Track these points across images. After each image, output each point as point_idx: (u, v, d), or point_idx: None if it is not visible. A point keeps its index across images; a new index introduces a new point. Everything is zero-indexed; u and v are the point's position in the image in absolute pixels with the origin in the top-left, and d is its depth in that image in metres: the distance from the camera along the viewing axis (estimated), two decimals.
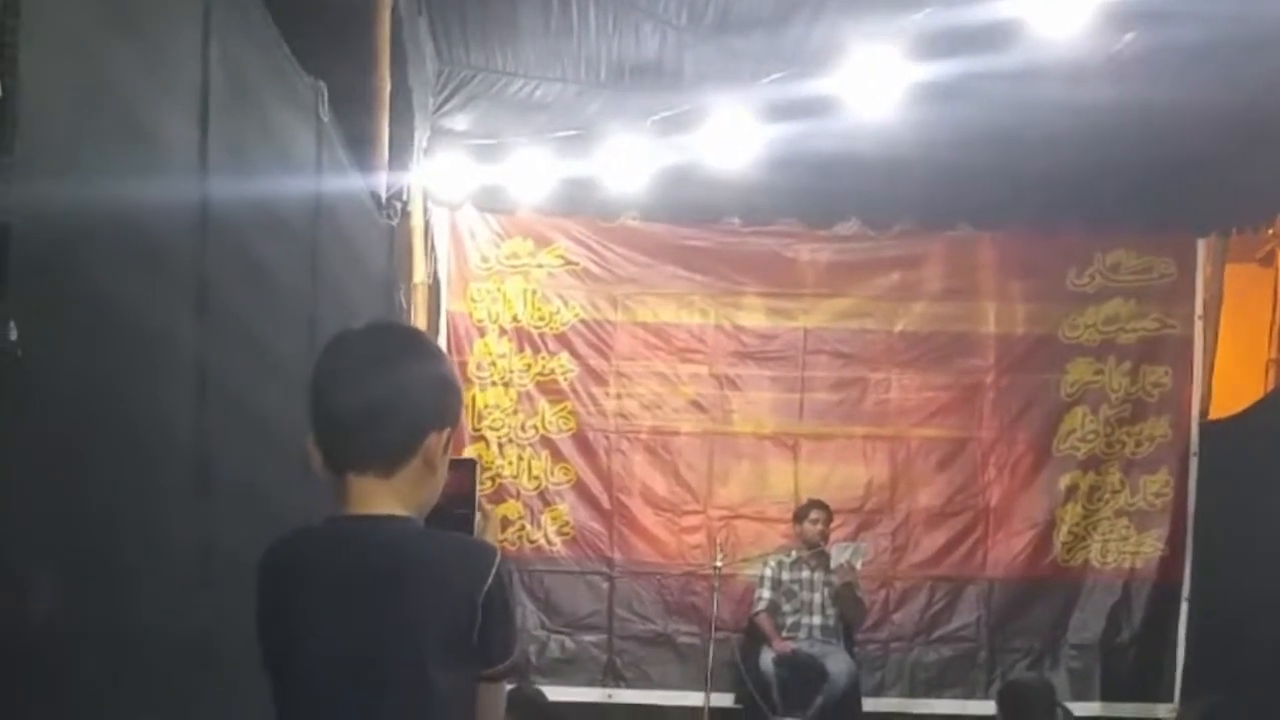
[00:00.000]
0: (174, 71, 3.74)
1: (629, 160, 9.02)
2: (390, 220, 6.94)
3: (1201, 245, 10.78)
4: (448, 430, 2.72)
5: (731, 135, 8.47)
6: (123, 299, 3.26)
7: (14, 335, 2.51)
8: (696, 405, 10.75)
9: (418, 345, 2.80)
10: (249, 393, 4.65)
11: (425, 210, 9.34)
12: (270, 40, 4.74)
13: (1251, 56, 7.47)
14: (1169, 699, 10.45)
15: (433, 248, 9.86)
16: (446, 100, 8.45)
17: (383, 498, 2.65)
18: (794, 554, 10.20)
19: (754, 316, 10.80)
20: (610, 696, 10.36)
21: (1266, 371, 10.38)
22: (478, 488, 10.11)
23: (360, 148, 6.38)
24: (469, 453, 10.29)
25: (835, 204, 10.31)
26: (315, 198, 5.66)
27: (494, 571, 2.61)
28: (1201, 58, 7.41)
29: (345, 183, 6.18)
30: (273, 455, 4.88)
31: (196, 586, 3.82)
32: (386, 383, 2.65)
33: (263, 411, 4.81)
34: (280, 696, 2.66)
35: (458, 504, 3.30)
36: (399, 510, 2.66)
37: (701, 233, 10.66)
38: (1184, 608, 10.69)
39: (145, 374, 3.48)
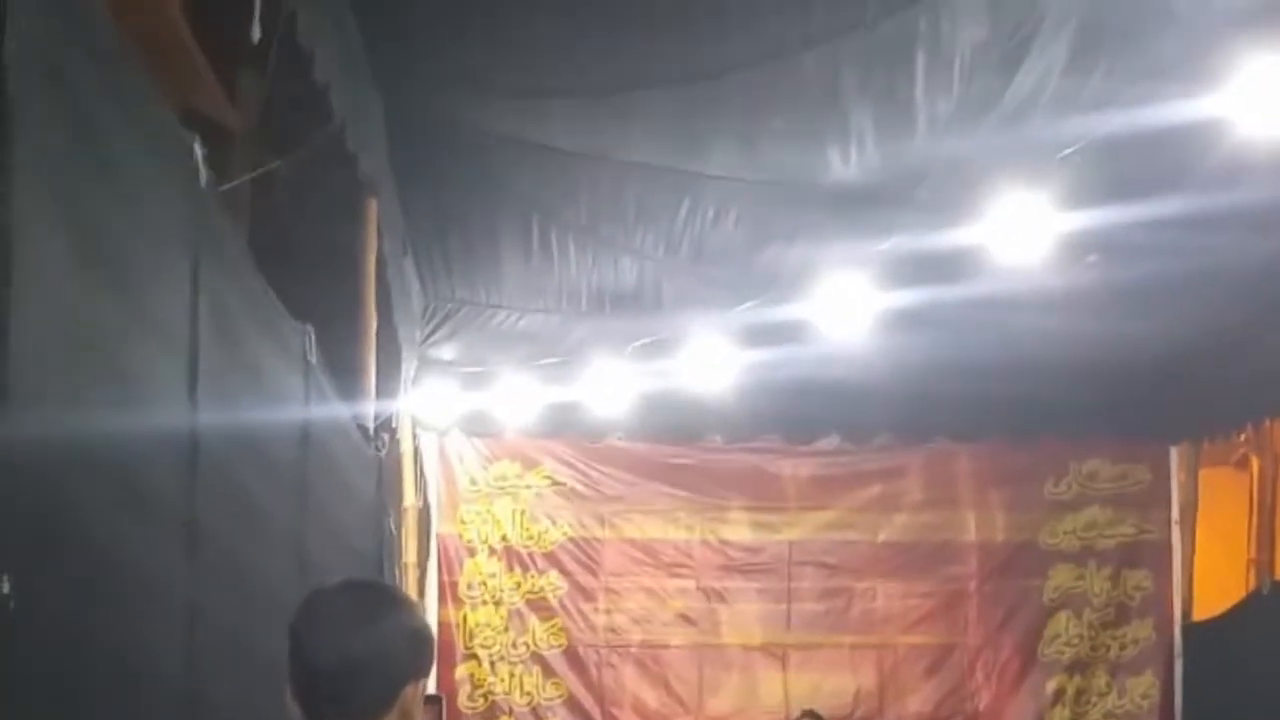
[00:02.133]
0: (164, 324, 3.90)
1: (612, 384, 9.29)
2: (378, 451, 7.14)
3: (1174, 453, 11.03)
4: (423, 681, 2.86)
5: (710, 359, 8.74)
6: (113, 541, 3.40)
7: (7, 588, 2.56)
8: (685, 618, 10.88)
9: (392, 601, 2.94)
10: (239, 628, 4.77)
11: (414, 436, 9.58)
12: (257, 290, 4.95)
13: (1212, 281, 7.74)
14: None
15: (422, 472, 10.08)
16: (433, 332, 8.73)
17: None
18: None
19: (739, 530, 10.99)
20: None
21: (1248, 571, 10.52)
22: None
23: (347, 383, 6.58)
24: (461, 672, 10.42)
25: (815, 420, 10.61)
26: (303, 434, 5.82)
27: None
28: (1165, 283, 7.66)
29: (333, 418, 6.35)
30: (264, 689, 4.97)
31: None
32: (365, 640, 2.76)
33: (253, 645, 4.91)
34: None
35: None
36: None
37: (685, 450, 10.90)
38: None
39: (135, 615, 3.59)
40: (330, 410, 6.28)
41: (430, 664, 2.94)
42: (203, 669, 4.05)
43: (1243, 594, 10.19)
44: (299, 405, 5.77)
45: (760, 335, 8.45)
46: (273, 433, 5.40)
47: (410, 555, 9.26)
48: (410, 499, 9.26)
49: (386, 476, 7.96)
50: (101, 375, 3.30)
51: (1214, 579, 10.84)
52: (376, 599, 2.93)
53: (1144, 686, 10.91)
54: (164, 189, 3.80)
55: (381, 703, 2.78)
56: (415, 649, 2.86)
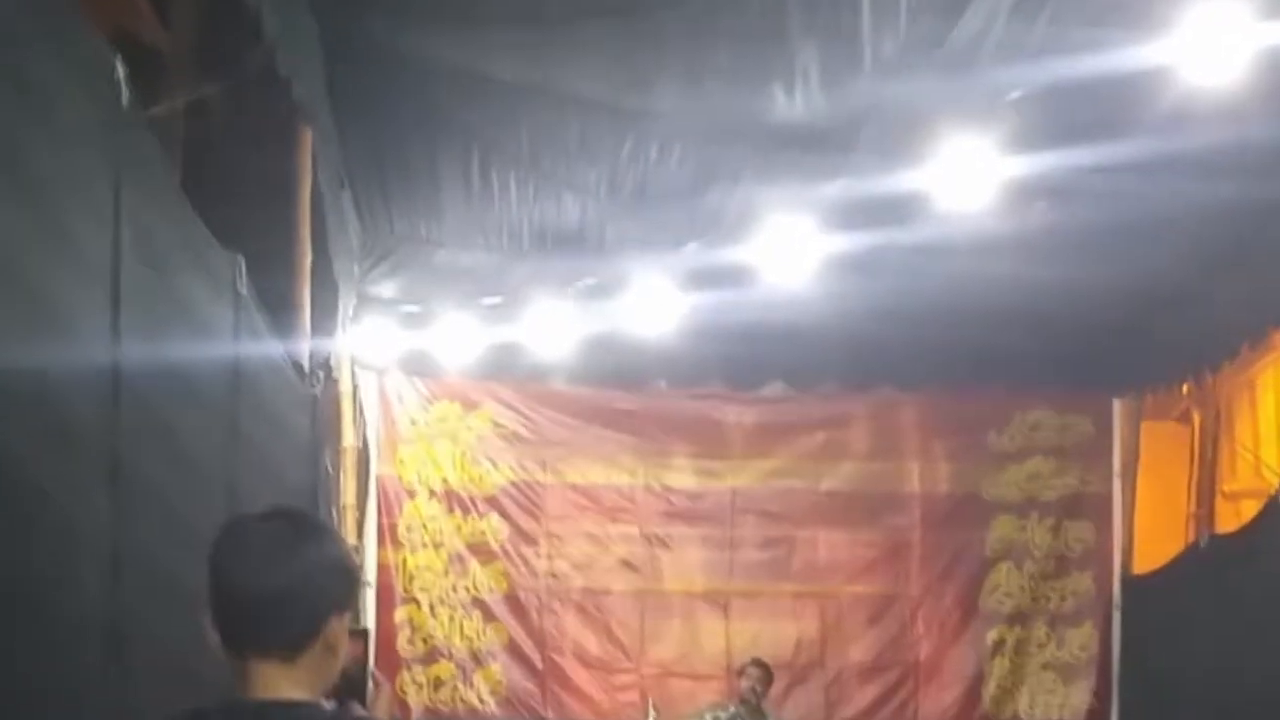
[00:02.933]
0: (84, 250, 3.80)
1: (554, 326, 9.19)
2: (313, 388, 7.03)
3: (1117, 405, 11.03)
4: (347, 614, 2.78)
5: (654, 301, 8.66)
6: (31, 473, 3.31)
7: None
8: (627, 564, 10.84)
9: (316, 531, 2.81)
10: (166, 565, 4.68)
11: (353, 376, 9.48)
12: (184, 217, 4.84)
13: (1158, 230, 7.72)
14: None
15: (361, 413, 9.97)
16: (372, 269, 8.61)
17: (286, 683, 2.66)
18: (731, 709, 10.22)
19: (682, 477, 10.96)
20: None
21: (1187, 525, 10.55)
22: (370, 658, 10.02)
23: (281, 318, 6.47)
24: (400, 615, 10.34)
25: (759, 367, 10.54)
26: (234, 368, 5.71)
27: None
28: (1111, 232, 7.64)
29: (266, 353, 6.24)
30: (190, 624, 4.87)
31: None
32: (290, 570, 2.66)
33: (181, 582, 4.81)
34: None
35: (354, 674, 3.33)
36: (302, 695, 2.67)
37: (628, 396, 10.84)
38: None
39: (55, 549, 3.49)
40: (263, 345, 6.17)
41: (354, 596, 2.88)
42: (127, 605, 3.98)
43: (1182, 548, 10.20)
44: (229, 339, 5.66)
45: (705, 278, 8.39)
46: (201, 366, 5.29)
47: (349, 496, 9.18)
48: (349, 439, 9.17)
49: (323, 415, 7.86)
50: (16, 302, 3.21)
51: (1154, 533, 10.87)
52: (298, 528, 2.78)
53: (1082, 638, 10.94)
54: (84, 110, 3.70)
55: (305, 635, 2.67)
56: (339, 579, 2.75)
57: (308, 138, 6.46)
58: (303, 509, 3.80)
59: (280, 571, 2.64)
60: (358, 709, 7.18)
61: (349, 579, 2.80)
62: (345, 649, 2.74)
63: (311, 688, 2.68)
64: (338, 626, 2.69)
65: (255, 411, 6.09)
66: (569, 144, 7.28)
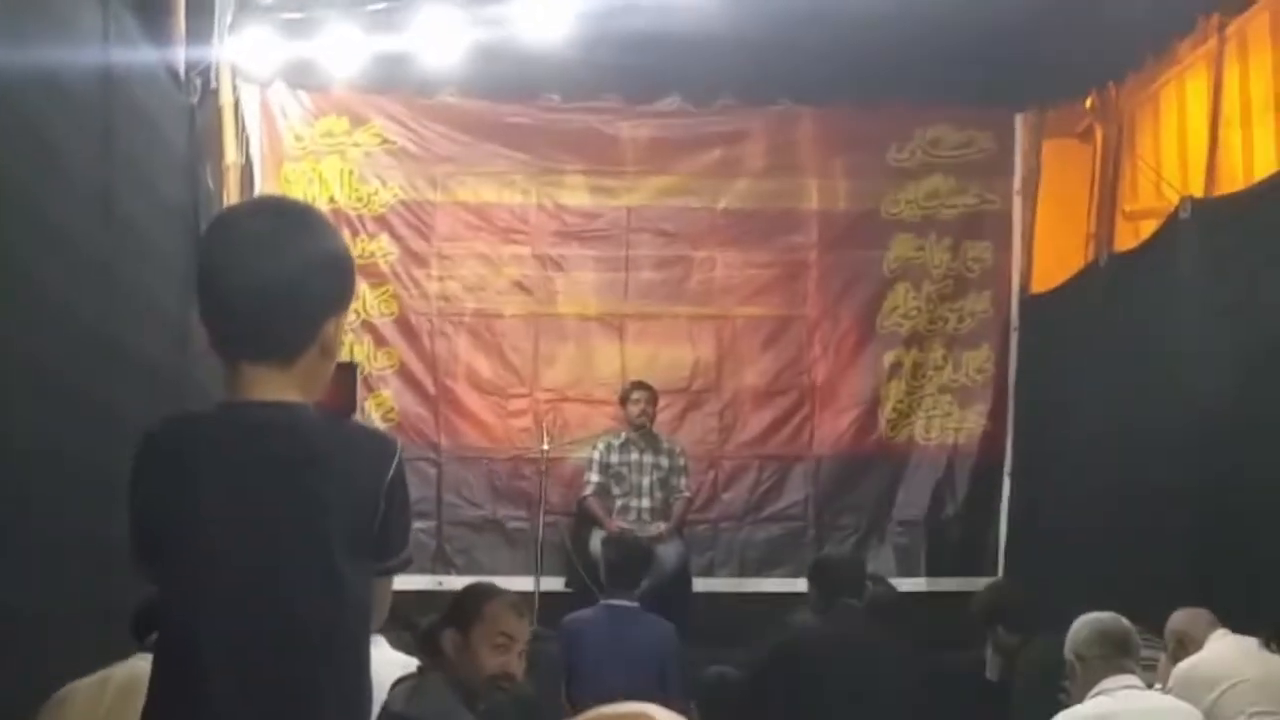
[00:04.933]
0: None
1: (443, 34, 8.80)
2: (190, 97, 6.70)
3: (1019, 120, 10.85)
4: (344, 315, 2.64)
5: (547, 6, 8.31)
6: None
7: None
8: (520, 287, 10.63)
9: (312, 225, 2.64)
10: (39, 275, 4.50)
11: (234, 88, 9.04)
12: None
13: None
14: (992, 573, 10.48)
15: (243, 128, 9.56)
16: None
17: (281, 386, 2.54)
18: (623, 436, 10.16)
19: (576, 195, 10.69)
20: (440, 584, 10.22)
21: (1086, 245, 10.48)
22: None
23: (153, 21, 6.15)
24: None
25: (655, 79, 10.22)
26: (104, 73, 5.45)
27: (396, 461, 2.55)
28: None
29: (138, 58, 5.95)
30: (62, 337, 4.74)
31: None
32: (286, 271, 2.52)
33: (51, 292, 4.66)
34: (170, 593, 2.54)
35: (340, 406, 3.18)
36: (297, 397, 2.56)
37: (521, 109, 10.50)
38: (1006, 482, 10.82)
39: None
40: (135, 50, 5.87)
41: (352, 294, 2.67)
42: None
43: (1081, 267, 10.16)
44: (99, 42, 5.38)
45: None
46: (70, 71, 5.03)
47: None
48: (231, 156, 8.77)
49: (203, 129, 7.54)
50: None
51: (1053, 251, 10.80)
52: (294, 222, 2.62)
53: (979, 360, 10.92)
54: None
55: (304, 337, 2.55)
56: (337, 277, 2.61)
57: None
58: (294, 199, 3.61)
59: (275, 271, 2.51)
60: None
61: (347, 276, 2.65)
62: (340, 350, 2.63)
63: (306, 392, 2.57)
64: (334, 328, 2.57)
65: (129, 121, 5.85)
66: None
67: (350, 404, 8.40)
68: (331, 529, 2.48)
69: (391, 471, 2.54)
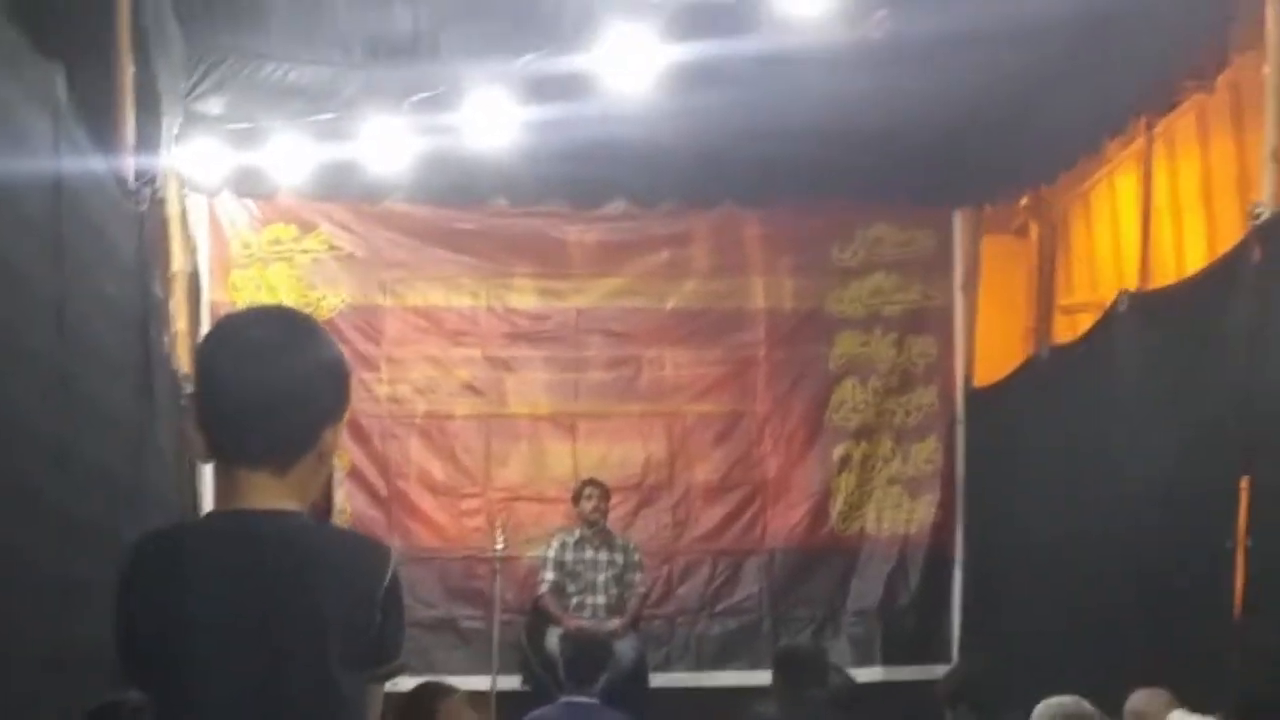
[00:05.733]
0: None
1: (390, 142, 8.91)
2: (139, 206, 6.78)
3: (957, 218, 11.07)
4: (341, 423, 2.64)
5: (491, 114, 8.43)
6: None
7: None
8: (471, 388, 10.71)
9: (311, 333, 2.65)
10: None
11: (181, 198, 9.14)
12: None
13: (998, 42, 7.67)
14: (947, 660, 10.59)
15: (191, 236, 9.65)
16: (198, 84, 8.25)
17: (277, 494, 2.54)
18: (577, 533, 10.22)
19: (525, 298, 10.82)
20: (395, 684, 10.21)
21: (1026, 339, 10.65)
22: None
23: (103, 132, 6.22)
24: None
25: (601, 184, 10.34)
26: (55, 182, 5.50)
27: (391, 570, 2.55)
28: (949, 42, 7.57)
29: (89, 167, 6.01)
30: (18, 440, 4.75)
31: None
32: (286, 379, 2.53)
33: (5, 400, 4.67)
34: (164, 704, 2.53)
35: (320, 506, 3.17)
36: (293, 505, 2.56)
37: (468, 215, 10.62)
38: (957, 571, 10.95)
39: None
40: (85, 160, 5.94)
41: (348, 402, 2.67)
42: None
43: (1022, 360, 10.31)
44: (50, 152, 5.44)
45: (543, 89, 8.17)
46: (21, 180, 5.08)
47: (181, 323, 8.89)
48: (179, 263, 8.85)
49: (151, 237, 7.60)
50: None
51: (995, 345, 10.97)
52: (295, 329, 2.64)
53: (927, 451, 11.05)
54: None
55: (300, 444, 2.56)
56: (336, 387, 2.62)
57: None
58: (293, 309, 3.62)
59: (275, 379, 2.52)
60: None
61: (345, 384, 2.65)
62: (334, 462, 2.64)
63: (301, 499, 2.58)
64: (333, 436, 2.57)
65: (80, 230, 5.88)
66: None
67: (328, 504, 8.45)
68: (328, 639, 2.47)
69: (387, 580, 2.53)
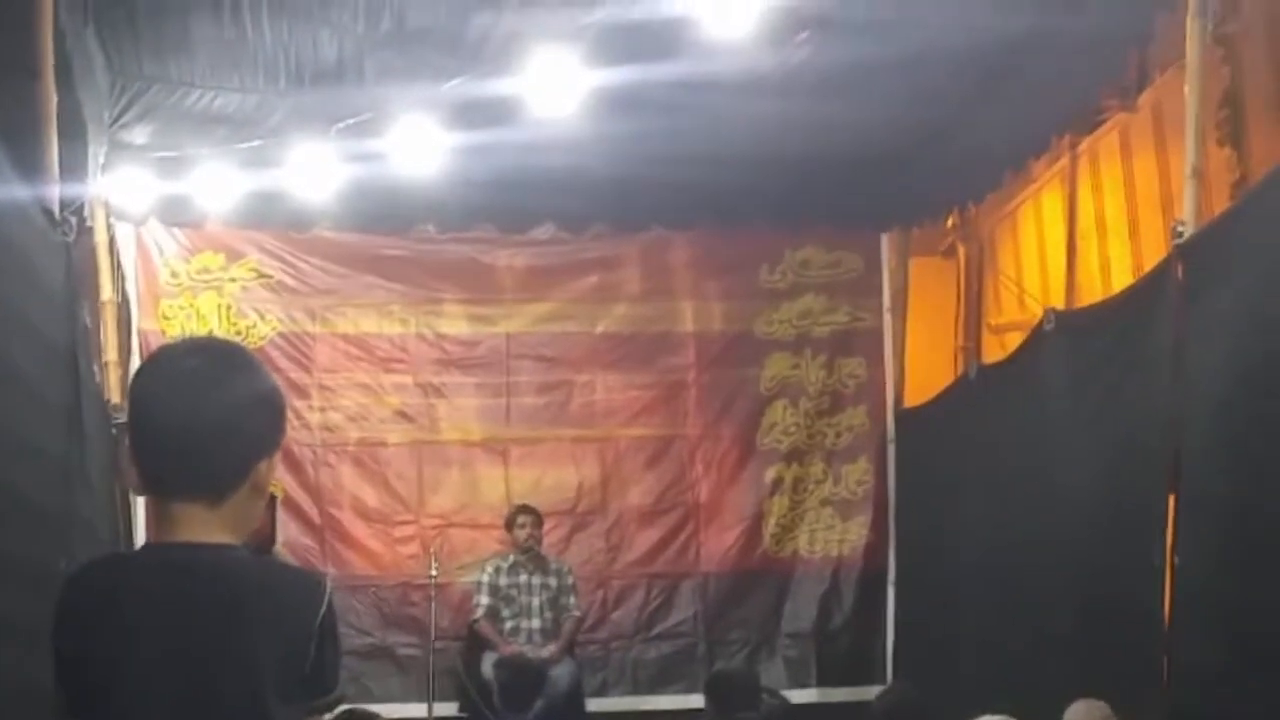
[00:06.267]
0: None
1: (316, 170, 8.87)
2: (65, 236, 6.72)
3: (885, 240, 11.16)
4: (276, 456, 2.65)
5: (419, 140, 8.42)
6: None
7: None
8: (403, 415, 10.71)
9: (245, 365, 2.64)
10: None
11: (109, 227, 9.08)
12: None
13: (921, 63, 7.72)
14: (882, 681, 10.62)
15: (119, 265, 9.59)
16: (123, 113, 8.17)
17: (211, 527, 2.53)
18: (511, 559, 10.21)
19: (455, 324, 10.82)
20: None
21: (956, 359, 10.74)
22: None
23: (27, 161, 6.16)
24: None
25: (529, 209, 10.32)
26: None
27: (327, 601, 2.54)
28: (874, 65, 7.61)
29: (12, 196, 5.96)
30: None
31: None
32: (220, 410, 2.53)
33: None
34: None
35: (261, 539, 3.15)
36: (227, 538, 2.55)
37: (397, 241, 10.64)
38: (890, 591, 11.00)
39: None
40: (8, 189, 5.89)
41: (283, 434, 2.69)
42: None
43: (951, 379, 10.38)
44: None
45: (470, 114, 8.15)
46: None
47: (111, 353, 8.84)
48: (107, 293, 8.80)
49: (78, 267, 7.53)
50: None
51: (925, 365, 11.06)
52: (228, 362, 2.63)
53: (859, 472, 11.11)
54: None
55: (235, 476, 2.55)
56: (270, 419, 2.63)
57: None
58: (227, 340, 3.60)
59: (208, 410, 2.51)
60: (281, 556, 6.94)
61: (279, 416, 2.66)
62: (269, 491, 2.63)
63: (236, 531, 2.58)
64: (267, 469, 2.58)
65: (5, 260, 5.82)
66: None
67: (270, 535, 8.39)
68: (263, 672, 2.46)
69: (322, 611, 2.52)
